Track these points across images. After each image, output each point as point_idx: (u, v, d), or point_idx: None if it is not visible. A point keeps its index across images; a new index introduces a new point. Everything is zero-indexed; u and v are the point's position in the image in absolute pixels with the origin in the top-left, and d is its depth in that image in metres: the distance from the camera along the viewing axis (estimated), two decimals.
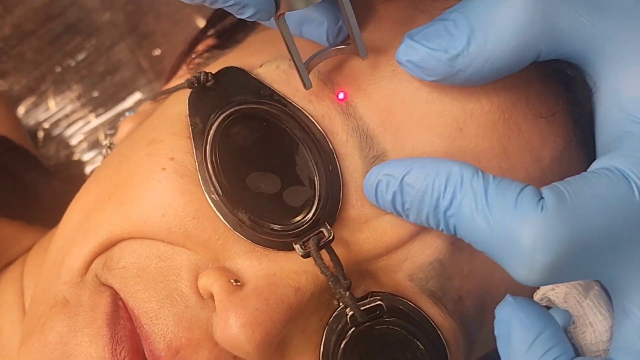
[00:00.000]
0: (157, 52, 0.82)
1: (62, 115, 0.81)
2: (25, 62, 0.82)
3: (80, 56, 0.82)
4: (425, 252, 0.43)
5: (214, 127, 0.42)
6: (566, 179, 0.38)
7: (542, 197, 0.37)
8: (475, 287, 0.44)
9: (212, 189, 0.41)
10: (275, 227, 0.41)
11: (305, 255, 0.41)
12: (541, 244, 0.36)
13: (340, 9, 0.41)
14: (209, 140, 0.42)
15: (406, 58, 0.41)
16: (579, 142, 0.46)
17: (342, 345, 0.42)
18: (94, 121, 0.81)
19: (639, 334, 0.39)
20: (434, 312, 0.44)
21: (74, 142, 0.80)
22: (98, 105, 0.80)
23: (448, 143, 0.42)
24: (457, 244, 0.43)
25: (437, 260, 0.43)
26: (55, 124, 0.81)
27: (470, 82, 0.41)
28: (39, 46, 0.82)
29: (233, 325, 0.38)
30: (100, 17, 0.82)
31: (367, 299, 0.43)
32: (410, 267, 0.43)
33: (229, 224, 0.41)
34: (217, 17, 0.60)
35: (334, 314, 0.42)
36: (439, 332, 0.44)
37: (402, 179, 0.40)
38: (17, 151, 0.66)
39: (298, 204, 0.42)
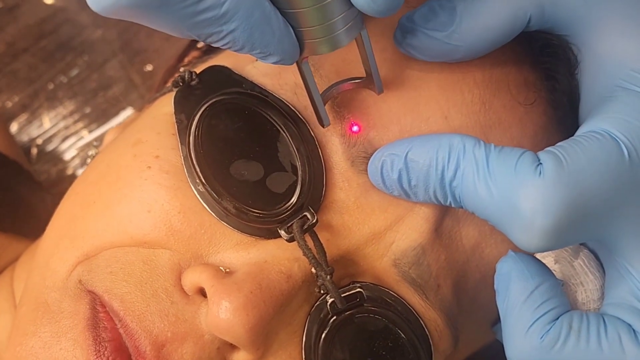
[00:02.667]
0: (149, 67, 0.82)
1: (55, 131, 0.81)
2: (19, 80, 0.82)
3: (73, 73, 0.82)
4: (411, 236, 0.43)
5: (195, 119, 0.43)
6: (559, 143, 0.39)
7: (540, 163, 0.37)
8: (450, 272, 0.45)
9: (197, 180, 0.42)
10: (260, 213, 0.42)
11: (290, 240, 0.41)
12: (541, 208, 0.37)
13: (358, 45, 0.42)
14: (191, 133, 0.42)
15: (404, 41, 0.42)
16: (559, 128, 0.46)
17: (323, 335, 0.42)
18: (87, 137, 0.81)
19: (632, 291, 0.39)
20: (415, 302, 0.44)
21: (67, 157, 0.81)
22: (91, 121, 0.81)
23: (434, 129, 0.43)
24: (438, 231, 0.44)
25: (420, 245, 0.43)
26: (49, 140, 0.81)
27: (468, 57, 0.42)
28: (32, 63, 0.82)
29: (227, 309, 0.39)
30: (93, 34, 0.83)
31: (347, 286, 0.43)
32: (395, 251, 0.43)
33: (215, 214, 0.42)
34: None
35: (316, 304, 0.43)
36: (421, 321, 0.44)
37: (406, 155, 0.41)
38: (10, 166, 0.67)
39: (281, 190, 0.43)
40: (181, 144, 0.43)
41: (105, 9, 0.34)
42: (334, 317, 0.43)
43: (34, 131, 0.81)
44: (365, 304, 0.43)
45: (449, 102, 0.44)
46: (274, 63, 0.39)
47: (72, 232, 0.45)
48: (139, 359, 0.40)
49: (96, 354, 0.40)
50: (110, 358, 0.40)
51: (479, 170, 0.38)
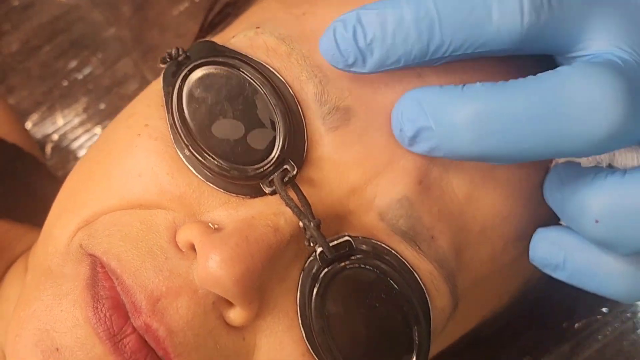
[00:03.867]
0: (163, 65, 0.83)
1: (69, 127, 0.82)
2: (32, 77, 0.83)
3: (87, 70, 0.83)
4: (393, 189, 0.43)
5: (177, 85, 0.44)
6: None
7: None
8: (447, 226, 0.44)
9: (182, 144, 0.43)
10: (242, 168, 0.42)
11: (272, 193, 0.42)
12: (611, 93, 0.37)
13: None
14: (173, 98, 0.44)
15: None
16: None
17: (315, 290, 0.42)
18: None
19: None
20: (408, 254, 0.44)
21: (81, 153, 0.81)
22: (105, 117, 0.81)
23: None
24: (424, 183, 0.44)
25: (405, 197, 0.43)
26: (63, 136, 0.82)
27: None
28: (46, 61, 0.83)
29: (213, 262, 0.39)
30: (106, 31, 0.84)
31: (335, 236, 0.43)
32: (380, 204, 0.43)
33: (200, 175, 0.43)
34: (208, 24, 0.63)
35: (308, 260, 0.43)
36: (415, 274, 0.44)
37: (358, 12, 0.41)
38: (26, 158, 0.67)
39: (262, 147, 0.43)
40: (167, 112, 0.44)
41: None
42: (325, 270, 0.43)
43: (48, 128, 0.82)
44: (355, 256, 0.43)
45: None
46: None
47: (73, 202, 0.46)
48: (135, 314, 0.40)
49: (94, 311, 0.40)
50: (107, 314, 0.40)
51: None
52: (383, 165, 0.44)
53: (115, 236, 0.43)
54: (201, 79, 0.44)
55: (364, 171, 0.44)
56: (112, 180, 0.44)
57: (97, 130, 0.82)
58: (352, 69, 0.42)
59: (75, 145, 0.82)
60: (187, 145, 0.43)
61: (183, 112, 0.43)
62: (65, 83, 0.83)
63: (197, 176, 0.43)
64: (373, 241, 0.44)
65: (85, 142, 0.82)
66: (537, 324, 0.63)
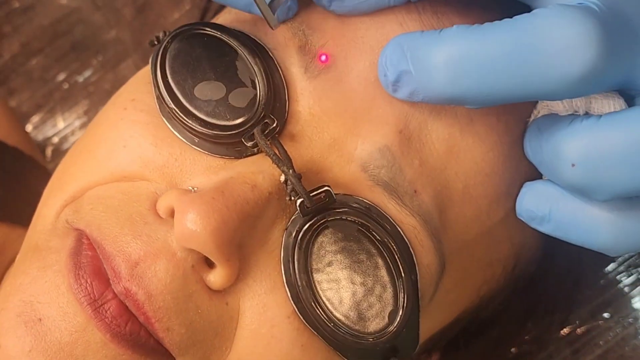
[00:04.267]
0: None
1: (70, 130, 0.82)
2: (33, 80, 0.83)
3: (87, 73, 0.83)
4: (373, 139, 0.44)
5: (159, 53, 0.45)
6: None
7: None
8: (430, 180, 0.44)
9: (167, 110, 0.44)
10: (225, 128, 0.43)
11: (253, 146, 0.43)
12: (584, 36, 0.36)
13: None
14: (157, 67, 0.44)
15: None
16: None
17: (297, 244, 0.42)
18: None
19: None
20: (391, 208, 0.44)
21: None
22: None
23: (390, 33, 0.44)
24: (404, 133, 0.44)
25: (386, 146, 0.44)
26: (64, 139, 0.82)
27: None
28: (47, 64, 0.83)
29: (190, 217, 0.39)
30: (107, 34, 0.83)
31: (316, 188, 0.43)
32: (361, 155, 0.44)
33: (185, 139, 0.44)
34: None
35: (291, 218, 0.43)
36: (398, 227, 0.44)
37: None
38: (26, 161, 0.67)
39: (243, 105, 0.44)
40: (153, 86, 0.45)
41: None
42: (307, 225, 0.43)
43: (49, 131, 0.82)
44: (337, 208, 0.43)
45: (403, 11, 0.45)
46: None
47: (60, 181, 0.47)
48: (115, 279, 0.40)
49: (75, 278, 0.41)
50: (89, 280, 0.40)
51: None
52: (362, 114, 0.44)
53: (97, 209, 0.43)
54: (182, 46, 0.45)
55: (344, 122, 0.44)
56: (97, 155, 0.45)
57: None
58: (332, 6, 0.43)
59: None
60: (171, 110, 0.43)
61: (167, 78, 0.44)
62: (66, 86, 0.82)
63: (182, 142, 0.44)
64: (355, 197, 0.44)
65: None
66: (538, 329, 0.63)
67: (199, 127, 0.43)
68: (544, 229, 0.44)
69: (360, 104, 0.44)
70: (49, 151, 0.81)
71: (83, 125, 0.81)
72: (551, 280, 0.58)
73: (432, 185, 0.44)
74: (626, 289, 0.67)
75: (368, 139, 0.44)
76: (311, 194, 0.42)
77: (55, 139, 0.81)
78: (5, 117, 0.70)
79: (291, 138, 0.44)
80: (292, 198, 0.42)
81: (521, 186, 0.45)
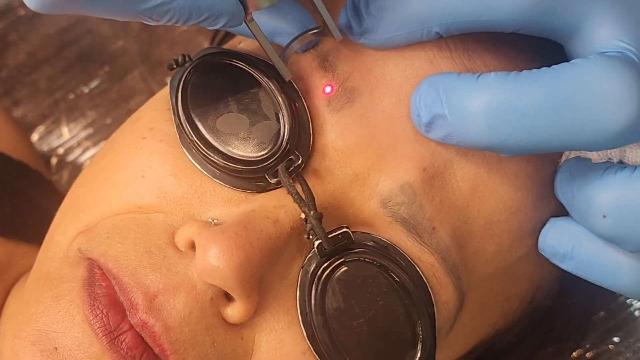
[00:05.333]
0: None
1: (75, 142, 0.81)
2: (39, 90, 0.82)
3: (94, 84, 0.82)
4: (396, 175, 0.43)
5: (181, 82, 0.44)
6: None
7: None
8: (449, 217, 0.44)
9: (188, 141, 0.43)
10: (248, 163, 0.43)
11: (277, 183, 0.42)
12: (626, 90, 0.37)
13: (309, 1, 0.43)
14: (179, 97, 0.44)
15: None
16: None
17: (314, 285, 0.42)
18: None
19: None
20: (410, 245, 0.43)
21: None
22: (111, 132, 0.80)
23: (420, 72, 0.44)
24: (428, 171, 0.43)
25: (408, 183, 0.43)
26: (69, 150, 0.81)
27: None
28: (53, 74, 0.82)
29: (213, 251, 0.39)
30: (114, 45, 0.83)
31: (334, 229, 0.43)
32: (382, 191, 0.43)
33: (206, 172, 0.43)
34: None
35: (308, 256, 0.43)
36: (416, 267, 0.43)
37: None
38: (32, 176, 0.67)
39: (267, 139, 0.43)
40: (173, 114, 0.44)
41: (43, 4, 0.35)
42: (325, 265, 0.42)
43: (54, 142, 0.81)
44: (355, 249, 0.43)
45: (434, 48, 0.44)
46: (222, 27, 0.39)
47: (75, 207, 0.46)
48: (132, 311, 0.40)
49: (91, 309, 0.40)
50: (104, 311, 0.40)
51: None
52: (386, 150, 0.43)
53: (113, 239, 0.42)
54: (205, 76, 0.44)
55: (367, 157, 0.43)
56: (114, 183, 0.45)
57: (103, 144, 0.81)
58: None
59: (81, 159, 0.81)
60: (193, 142, 0.43)
61: (188, 109, 0.43)
62: (71, 96, 0.82)
63: (202, 173, 0.43)
64: (373, 235, 0.43)
65: (91, 156, 0.81)
66: (549, 354, 0.62)
67: (221, 160, 0.42)
68: (565, 266, 0.44)
69: (384, 139, 0.44)
70: (53, 162, 0.81)
71: (89, 137, 0.81)
72: (564, 308, 0.57)
73: (451, 221, 0.44)
74: (637, 313, 0.66)
75: (390, 175, 0.43)
76: (330, 235, 0.42)
77: (61, 150, 0.81)
78: (11, 130, 0.70)
79: (314, 173, 0.44)
80: (310, 237, 0.42)
81: (546, 222, 0.45)
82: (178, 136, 0.44)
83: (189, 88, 0.44)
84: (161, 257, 0.41)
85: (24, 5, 0.84)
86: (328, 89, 0.44)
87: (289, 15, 0.45)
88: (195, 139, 0.43)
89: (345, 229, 0.42)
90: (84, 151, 0.81)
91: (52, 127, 0.81)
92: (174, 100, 0.44)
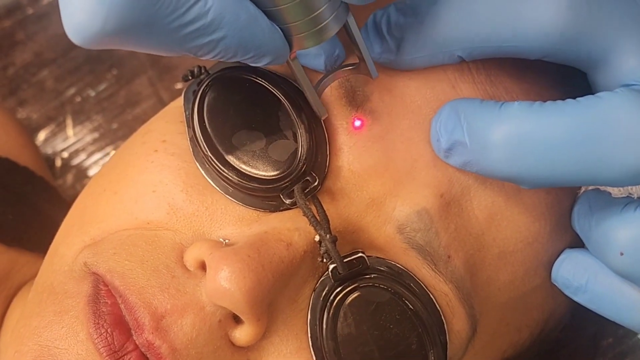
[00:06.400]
0: (179, 86, 0.81)
1: (80, 145, 0.80)
2: (45, 91, 0.81)
3: (101, 87, 0.81)
4: (413, 200, 0.43)
5: (198, 96, 0.43)
6: None
7: None
8: (464, 245, 0.43)
9: (202, 157, 0.42)
10: (264, 182, 0.42)
11: (292, 204, 0.42)
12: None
13: (347, 33, 0.42)
14: (194, 110, 0.43)
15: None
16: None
17: (327, 309, 0.41)
18: (113, 153, 0.80)
19: None
20: (425, 273, 0.43)
21: (91, 173, 0.80)
22: (117, 137, 0.80)
23: (442, 96, 0.44)
24: (445, 197, 0.43)
25: (425, 209, 0.42)
26: (74, 153, 0.80)
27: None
28: (60, 75, 0.82)
29: (224, 273, 0.38)
30: None
31: (349, 253, 0.42)
32: (398, 216, 0.43)
33: (219, 188, 0.42)
34: None
35: (320, 279, 0.42)
36: (431, 295, 0.42)
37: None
38: (37, 183, 0.66)
39: (284, 158, 0.43)
40: (187, 127, 0.44)
41: (90, 40, 0.34)
42: (338, 290, 0.42)
43: (59, 144, 0.80)
44: (369, 275, 0.42)
45: (455, 72, 0.44)
46: (266, 64, 0.39)
47: (82, 219, 0.46)
48: (138, 331, 0.39)
49: (95, 327, 0.40)
50: (109, 330, 0.39)
51: None
52: (404, 175, 0.43)
53: (120, 255, 0.42)
54: (223, 90, 0.44)
55: (384, 181, 0.43)
56: (124, 197, 0.44)
57: (108, 149, 0.80)
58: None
59: (86, 164, 0.80)
60: (207, 157, 0.42)
61: (204, 123, 0.43)
62: (78, 99, 0.81)
63: (214, 190, 0.43)
64: (388, 261, 0.43)
65: (96, 161, 0.80)
66: None
67: (236, 177, 0.42)
68: (578, 299, 0.44)
69: (402, 164, 0.43)
70: (58, 165, 0.80)
71: (94, 141, 0.80)
72: (572, 335, 0.57)
73: (465, 249, 0.43)
74: None
75: (407, 200, 0.43)
76: (345, 259, 0.41)
77: (65, 154, 0.80)
78: (17, 134, 0.69)
79: (330, 195, 0.43)
80: (325, 260, 0.41)
81: (561, 252, 0.44)
82: (191, 150, 0.43)
83: (206, 101, 0.43)
84: (169, 276, 0.41)
85: (32, 3, 0.83)
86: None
87: None
88: (209, 153, 0.42)
89: (360, 254, 0.42)
90: (89, 155, 0.80)
91: (57, 129, 0.80)
92: (188, 112, 0.44)
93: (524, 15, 0.39)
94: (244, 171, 0.42)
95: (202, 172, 0.43)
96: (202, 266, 0.41)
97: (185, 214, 0.42)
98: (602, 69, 0.40)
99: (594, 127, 0.37)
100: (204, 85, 0.44)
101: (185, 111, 0.45)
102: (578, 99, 0.38)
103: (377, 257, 0.43)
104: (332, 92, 0.44)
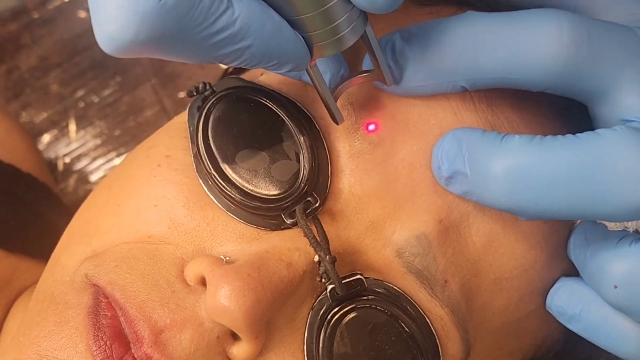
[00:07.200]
0: (182, 94, 0.82)
1: (82, 151, 0.81)
2: (49, 95, 0.82)
3: (104, 93, 0.82)
4: (412, 225, 0.43)
5: (203, 113, 0.44)
6: None
7: None
8: (460, 270, 0.44)
9: (205, 174, 0.43)
10: (265, 200, 0.42)
11: (293, 224, 0.42)
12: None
13: (364, 42, 0.42)
14: (199, 127, 0.43)
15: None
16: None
17: (323, 328, 0.42)
18: (115, 160, 0.81)
19: None
20: (421, 297, 0.43)
21: (93, 178, 0.80)
22: (120, 144, 0.80)
23: (444, 124, 0.44)
24: (444, 223, 0.43)
25: (424, 234, 0.43)
26: (76, 159, 0.81)
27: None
28: (64, 80, 0.82)
29: (224, 291, 0.38)
30: None
31: (348, 274, 0.43)
32: (397, 240, 0.43)
33: (221, 205, 0.43)
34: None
35: (318, 298, 0.42)
36: (427, 318, 0.43)
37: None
38: (39, 189, 0.66)
39: (286, 178, 0.43)
40: (191, 143, 0.44)
41: (121, 49, 0.34)
42: (335, 309, 0.42)
43: (61, 149, 0.81)
44: (367, 296, 0.43)
45: (458, 100, 0.44)
46: (287, 72, 0.39)
47: (84, 230, 0.46)
48: (137, 344, 0.40)
49: (94, 339, 0.40)
50: (108, 343, 0.40)
51: None
52: (404, 200, 0.43)
53: (122, 268, 0.42)
54: (228, 109, 0.44)
55: (384, 205, 0.43)
56: (125, 210, 0.44)
57: (111, 155, 0.81)
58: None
59: (88, 169, 0.81)
60: (210, 174, 0.43)
61: (208, 140, 0.43)
62: (81, 104, 0.81)
63: (216, 206, 0.43)
64: (385, 283, 0.43)
65: (98, 167, 0.81)
66: None
67: (238, 195, 0.42)
68: (572, 327, 0.44)
69: (402, 188, 0.43)
70: (60, 170, 0.80)
71: (97, 147, 0.81)
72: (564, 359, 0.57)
73: (461, 274, 0.44)
74: None
75: (407, 224, 0.43)
76: (343, 280, 0.41)
77: (68, 159, 0.80)
78: (20, 139, 0.69)
79: (330, 216, 0.43)
80: (323, 281, 0.41)
81: (557, 280, 0.45)
82: (195, 166, 0.44)
83: (211, 119, 0.44)
84: (170, 291, 0.41)
85: (38, 7, 0.84)
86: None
87: None
88: (212, 171, 0.43)
89: (359, 276, 0.42)
90: (91, 161, 0.81)
91: (60, 134, 0.81)
92: (192, 128, 0.44)
93: (527, 49, 0.39)
94: (246, 190, 0.42)
95: (205, 188, 0.43)
96: (202, 282, 0.41)
97: (187, 229, 0.43)
98: (603, 103, 0.41)
99: (592, 164, 0.37)
100: (209, 103, 0.44)
101: (189, 127, 0.45)
102: (578, 135, 0.38)
103: (375, 279, 0.43)
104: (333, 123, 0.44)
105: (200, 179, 0.44)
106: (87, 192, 0.80)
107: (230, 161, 0.43)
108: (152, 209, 0.43)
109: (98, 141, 0.81)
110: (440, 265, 0.43)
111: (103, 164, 0.81)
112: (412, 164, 0.43)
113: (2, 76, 0.82)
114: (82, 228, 0.47)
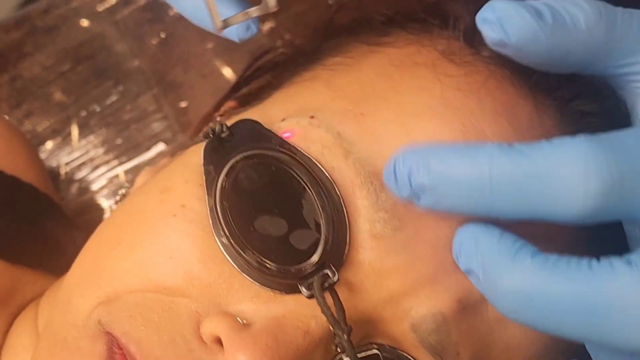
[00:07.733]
0: (184, 104, 0.82)
1: (84, 159, 0.81)
2: (51, 104, 0.82)
3: (107, 102, 0.82)
4: (430, 302, 0.43)
5: (223, 172, 0.43)
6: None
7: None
8: (473, 342, 0.44)
9: (221, 232, 0.42)
10: (282, 268, 0.42)
11: (310, 297, 0.41)
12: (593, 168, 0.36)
13: None
14: (218, 186, 0.43)
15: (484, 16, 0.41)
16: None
17: None
18: (117, 169, 0.81)
19: None
20: None
21: (95, 187, 0.81)
22: (121, 153, 0.81)
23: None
24: (462, 302, 0.43)
25: (441, 313, 0.43)
26: (78, 167, 0.81)
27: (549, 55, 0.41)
28: (66, 88, 0.82)
29: (240, 359, 0.38)
30: (129, 63, 0.83)
31: (364, 346, 0.43)
32: (414, 316, 0.43)
33: (237, 266, 0.42)
34: (243, 81, 0.62)
35: None
36: None
37: (417, 155, 0.40)
38: (41, 200, 0.66)
39: (304, 247, 0.43)
40: (208, 195, 0.43)
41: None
42: None
43: (63, 157, 0.81)
44: None
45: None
46: None
47: (96, 271, 0.45)
48: None
49: None
50: None
51: None
52: (425, 279, 0.43)
53: (136, 319, 0.42)
54: (248, 169, 0.44)
55: (404, 282, 0.43)
56: (140, 257, 0.44)
57: (113, 164, 0.81)
58: (408, 201, 0.41)
59: (89, 178, 0.81)
60: (225, 234, 0.42)
61: (225, 199, 0.43)
62: (84, 113, 0.82)
63: (232, 265, 0.42)
64: (399, 351, 0.43)
65: (100, 175, 0.81)
66: None
67: (255, 262, 0.42)
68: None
69: (424, 269, 0.43)
70: (61, 177, 0.81)
71: (98, 156, 0.81)
72: None
73: (473, 346, 0.44)
74: None
75: (425, 302, 0.43)
76: (359, 354, 0.42)
77: (69, 167, 0.81)
78: (22, 149, 0.69)
79: (348, 286, 0.43)
80: (339, 350, 0.41)
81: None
82: (210, 222, 0.43)
83: (230, 179, 0.43)
84: (186, 349, 0.41)
85: (41, 16, 0.84)
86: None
87: None
88: (227, 232, 0.42)
89: (375, 351, 0.42)
90: (93, 169, 0.81)
91: (62, 143, 0.81)
92: (210, 183, 0.44)
93: (552, 201, 0.38)
94: (263, 261, 0.42)
95: (220, 246, 0.43)
96: (218, 340, 0.41)
97: (202, 284, 0.42)
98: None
99: (604, 301, 0.36)
100: (230, 163, 0.44)
101: (205, 174, 0.44)
102: (592, 265, 0.37)
103: (390, 346, 0.43)
104: (354, 189, 0.44)
105: (216, 235, 0.43)
106: (88, 201, 0.80)
107: (248, 225, 0.42)
108: (167, 260, 0.43)
109: (100, 149, 0.81)
110: (454, 339, 0.43)
111: (104, 172, 0.81)
112: (435, 246, 0.43)
113: (5, 84, 0.82)
114: (94, 267, 0.46)
